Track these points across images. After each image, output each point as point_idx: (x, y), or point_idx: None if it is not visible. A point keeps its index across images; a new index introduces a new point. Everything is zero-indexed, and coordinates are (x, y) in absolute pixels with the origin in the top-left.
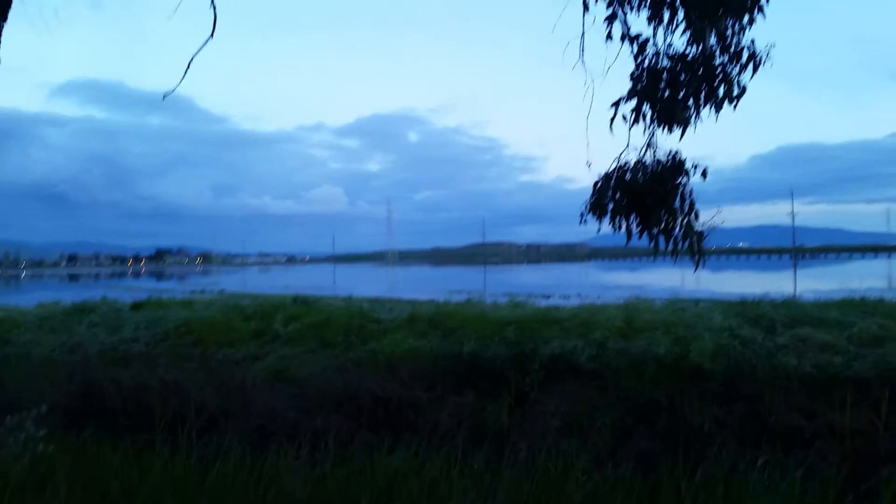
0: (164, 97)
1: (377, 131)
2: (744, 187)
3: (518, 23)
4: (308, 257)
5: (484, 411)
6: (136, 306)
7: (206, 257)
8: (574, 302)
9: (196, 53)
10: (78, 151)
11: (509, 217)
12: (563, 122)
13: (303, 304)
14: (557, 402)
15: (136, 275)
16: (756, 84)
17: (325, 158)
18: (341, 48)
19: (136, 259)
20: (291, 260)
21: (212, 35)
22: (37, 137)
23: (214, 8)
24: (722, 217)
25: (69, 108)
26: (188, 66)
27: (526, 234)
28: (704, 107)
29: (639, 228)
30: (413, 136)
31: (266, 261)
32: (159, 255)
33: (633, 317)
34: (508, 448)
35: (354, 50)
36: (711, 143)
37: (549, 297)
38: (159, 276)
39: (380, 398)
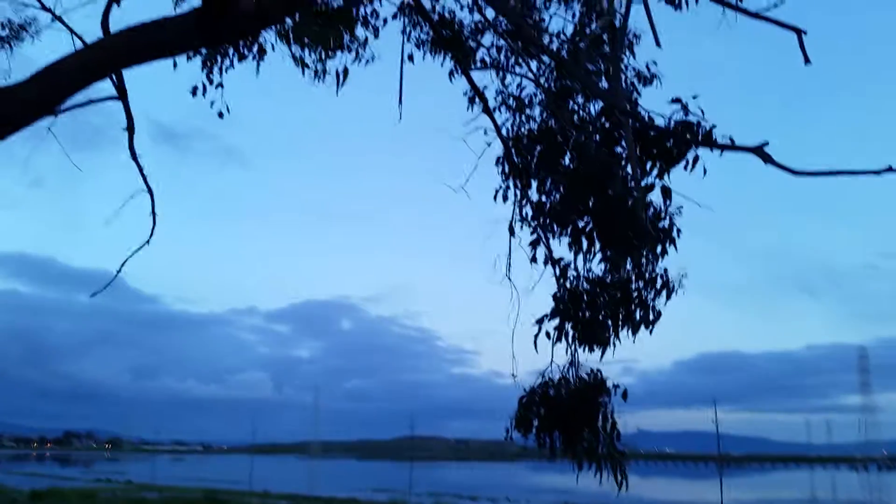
0: (92, 295)
1: (310, 317)
2: (668, 391)
3: (454, 228)
4: (226, 447)
5: None
6: (35, 496)
7: (116, 443)
8: None
9: (130, 257)
10: None
11: (439, 409)
12: (495, 319)
13: (213, 500)
14: None
15: (41, 458)
16: (674, 297)
17: (254, 343)
18: (278, 235)
19: (42, 441)
20: (208, 449)
21: (148, 241)
22: None
23: (154, 216)
24: (634, 426)
25: None
26: (120, 268)
27: (456, 429)
28: (622, 329)
29: (562, 446)
30: (346, 324)
31: (180, 449)
32: (67, 439)
33: None
34: None
35: (292, 237)
36: (637, 346)
37: (475, 499)
38: (64, 461)
39: None
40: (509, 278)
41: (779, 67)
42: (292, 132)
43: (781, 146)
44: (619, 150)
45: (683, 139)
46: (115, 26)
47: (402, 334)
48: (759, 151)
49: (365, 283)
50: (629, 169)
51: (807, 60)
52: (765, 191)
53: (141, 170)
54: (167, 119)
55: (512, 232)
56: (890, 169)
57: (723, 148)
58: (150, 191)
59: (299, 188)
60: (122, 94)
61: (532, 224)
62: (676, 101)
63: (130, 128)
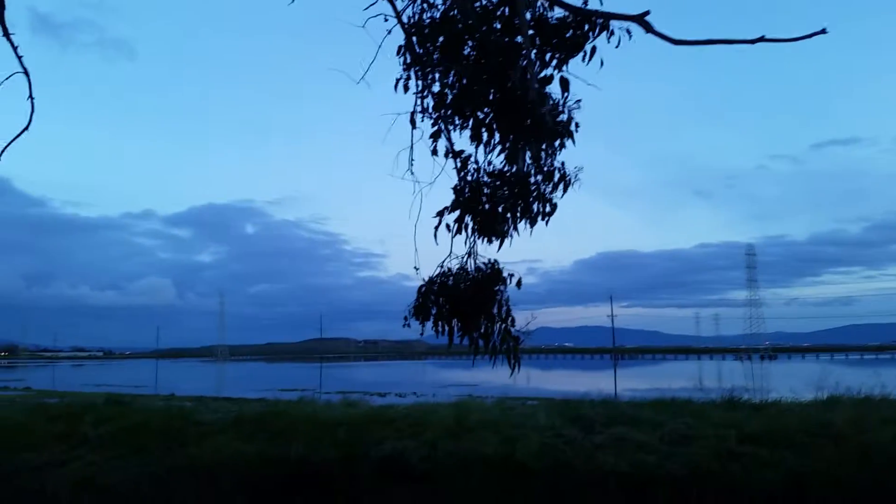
0: None
1: (211, 222)
2: (569, 290)
3: (356, 124)
4: (128, 353)
5: None
6: None
7: (13, 350)
8: (409, 400)
9: (9, 144)
10: None
11: (348, 313)
12: (401, 222)
13: (116, 404)
14: None
15: None
16: (577, 196)
17: (152, 248)
18: (175, 136)
19: None
20: (109, 354)
21: (27, 127)
22: None
23: (32, 100)
24: (537, 323)
25: None
26: None
27: (364, 330)
28: (520, 222)
29: (460, 333)
30: (250, 228)
31: (80, 355)
32: None
33: (464, 416)
34: None
35: (187, 137)
36: (541, 247)
37: (384, 395)
38: None
39: None
40: (412, 172)
41: None
42: (181, 22)
43: (679, 26)
44: (519, 39)
45: (581, 28)
46: None
47: (308, 238)
48: (640, 20)
49: (268, 186)
50: (530, 60)
51: None
52: (661, 97)
53: (14, 48)
54: (46, 8)
55: (413, 124)
56: (762, 39)
57: (604, 17)
58: (25, 72)
59: (193, 84)
60: None
61: (433, 116)
62: None
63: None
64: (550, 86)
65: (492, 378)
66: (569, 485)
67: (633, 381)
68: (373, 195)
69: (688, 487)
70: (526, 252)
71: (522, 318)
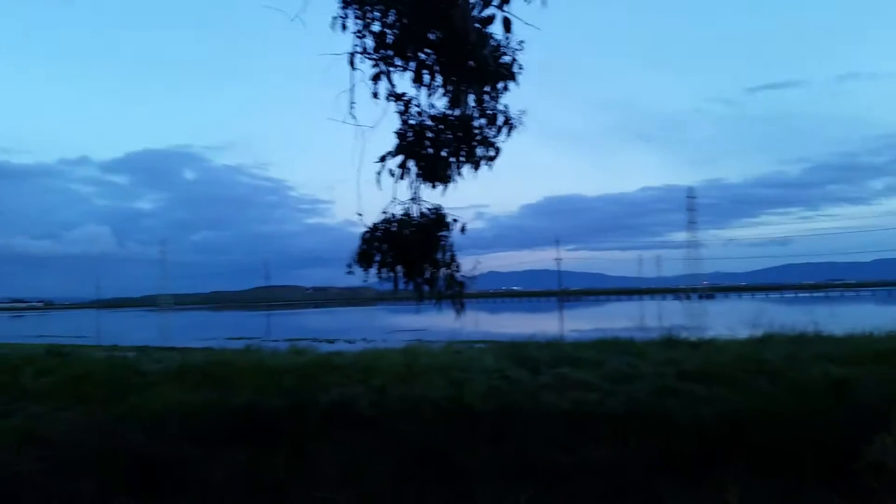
0: None
1: (149, 168)
2: (516, 235)
3: (296, 65)
4: (68, 303)
5: (259, 465)
6: None
7: None
8: (358, 347)
9: None
10: None
11: (295, 260)
12: (346, 167)
13: (57, 355)
14: (336, 452)
15: None
16: (521, 140)
17: (89, 195)
18: (110, 79)
19: None
20: (49, 305)
21: None
22: None
23: None
24: (484, 267)
25: None
26: None
27: (312, 278)
28: (464, 166)
29: (405, 279)
30: (189, 174)
31: (19, 306)
32: None
33: (413, 361)
34: (283, 503)
35: (124, 82)
36: (488, 191)
37: (333, 341)
38: None
39: (141, 458)
40: (353, 115)
41: None
42: None
43: None
44: None
45: None
46: None
47: (251, 185)
48: None
49: (206, 131)
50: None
51: None
52: (602, 39)
53: None
54: None
55: (353, 65)
56: None
57: None
58: None
59: (128, 27)
60: None
61: (374, 57)
62: None
63: None
64: (493, 26)
65: (441, 322)
66: (514, 424)
67: (578, 323)
68: (317, 140)
69: (628, 424)
70: (472, 197)
71: (469, 263)
